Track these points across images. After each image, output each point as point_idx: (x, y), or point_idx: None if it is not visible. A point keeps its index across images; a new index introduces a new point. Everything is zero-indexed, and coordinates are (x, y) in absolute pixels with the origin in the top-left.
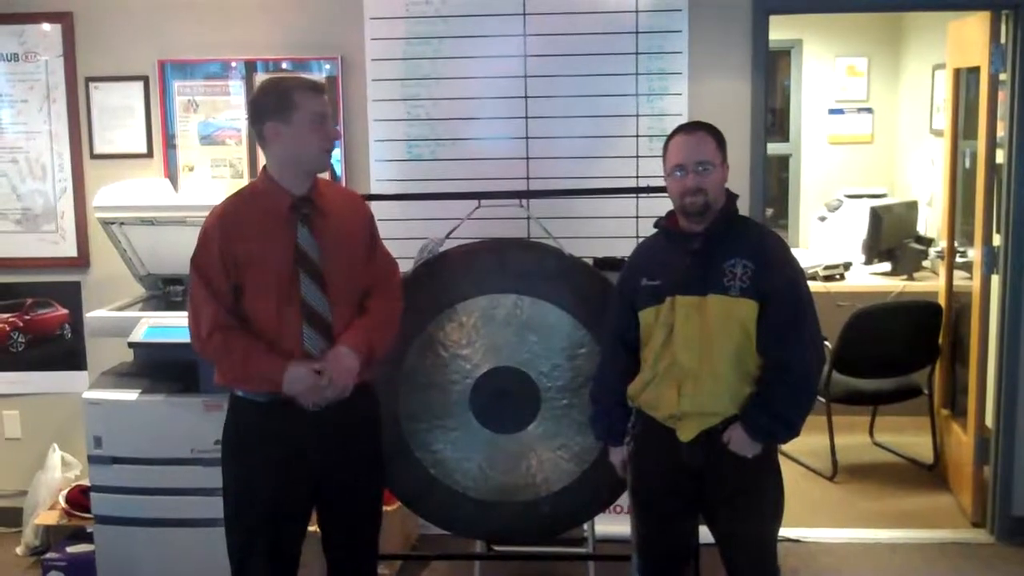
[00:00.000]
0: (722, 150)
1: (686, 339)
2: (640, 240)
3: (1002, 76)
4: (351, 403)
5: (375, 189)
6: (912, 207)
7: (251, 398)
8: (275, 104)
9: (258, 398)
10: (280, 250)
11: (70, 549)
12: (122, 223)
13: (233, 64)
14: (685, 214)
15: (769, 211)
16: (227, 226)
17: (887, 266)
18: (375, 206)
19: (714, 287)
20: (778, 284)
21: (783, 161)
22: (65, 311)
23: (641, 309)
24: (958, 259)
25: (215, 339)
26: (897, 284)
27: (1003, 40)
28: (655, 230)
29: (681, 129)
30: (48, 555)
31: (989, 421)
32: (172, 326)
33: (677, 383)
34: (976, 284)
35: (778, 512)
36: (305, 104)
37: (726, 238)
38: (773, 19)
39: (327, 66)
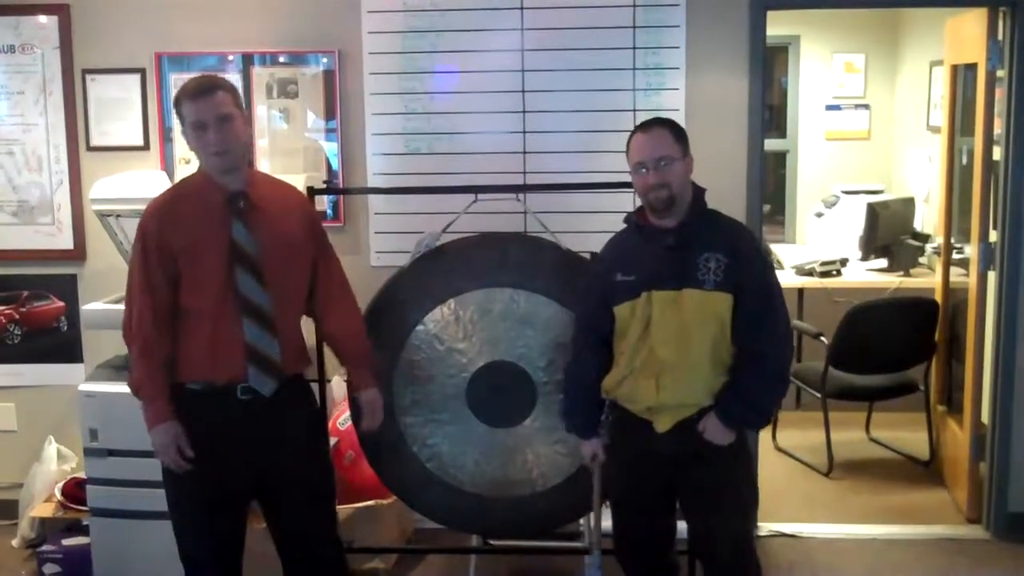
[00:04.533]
0: (681, 143)
1: (663, 333)
2: (611, 236)
3: (999, 73)
4: (283, 392)
5: (372, 183)
6: (909, 203)
7: (186, 385)
8: (176, 111)
9: (193, 386)
10: (215, 244)
11: (65, 542)
12: (118, 215)
13: (230, 57)
14: (652, 209)
15: (766, 207)
16: (163, 219)
17: (883, 262)
18: (373, 200)
19: (689, 281)
20: (751, 277)
21: (780, 157)
22: (61, 303)
23: (616, 304)
24: (955, 255)
25: (136, 343)
26: (893, 280)
27: (1000, 37)
28: (624, 225)
29: (639, 127)
30: (43, 547)
31: (985, 417)
32: None
33: (655, 376)
34: (972, 280)
35: (752, 503)
36: (186, 114)
37: (699, 232)
38: (771, 15)
39: (324, 59)
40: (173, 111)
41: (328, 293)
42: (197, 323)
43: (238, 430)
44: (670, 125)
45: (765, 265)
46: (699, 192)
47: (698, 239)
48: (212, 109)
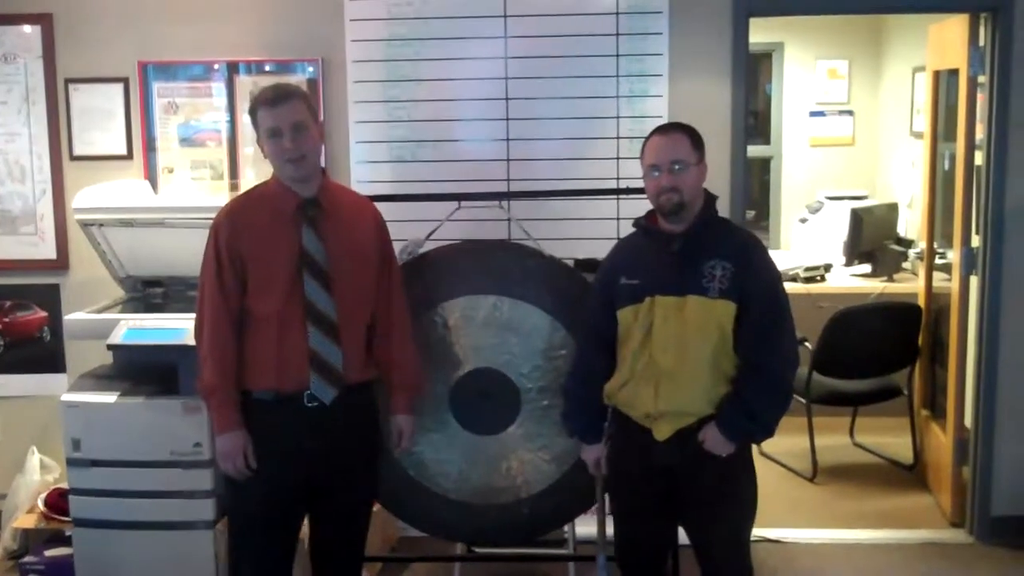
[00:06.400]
0: (698, 150)
1: (664, 339)
2: (618, 239)
3: (981, 78)
4: (353, 401)
5: (356, 190)
6: (892, 209)
7: (256, 396)
8: (252, 119)
9: (261, 396)
10: (284, 250)
11: (48, 553)
12: (101, 225)
13: (215, 66)
14: (662, 213)
15: (750, 213)
16: (235, 222)
17: (867, 268)
18: None
19: (693, 288)
20: (758, 287)
21: (764, 163)
22: (44, 313)
23: (620, 308)
24: (937, 260)
25: (207, 345)
26: (877, 285)
27: (982, 43)
28: (634, 229)
29: (657, 130)
30: (26, 559)
31: (968, 422)
32: (152, 328)
33: (654, 383)
34: (955, 285)
35: (752, 512)
36: (261, 121)
37: (706, 239)
38: (754, 22)
39: (309, 68)
40: (248, 119)
41: (387, 315)
42: (264, 329)
43: (301, 438)
44: (688, 131)
45: (773, 276)
46: (710, 199)
47: (705, 246)
48: (288, 116)
